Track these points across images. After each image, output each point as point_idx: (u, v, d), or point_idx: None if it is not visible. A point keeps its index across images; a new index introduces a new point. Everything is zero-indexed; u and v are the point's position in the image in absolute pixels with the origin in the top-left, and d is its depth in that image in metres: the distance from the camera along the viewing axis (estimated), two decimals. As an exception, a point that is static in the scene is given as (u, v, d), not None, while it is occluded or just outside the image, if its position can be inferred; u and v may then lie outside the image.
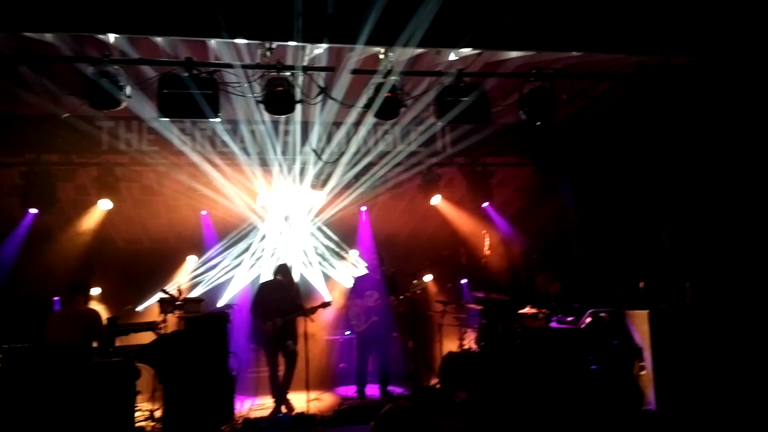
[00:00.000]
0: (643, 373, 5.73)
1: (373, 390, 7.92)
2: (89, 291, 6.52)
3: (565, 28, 5.61)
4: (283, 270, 7.73)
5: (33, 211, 7.67)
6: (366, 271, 8.18)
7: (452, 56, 5.98)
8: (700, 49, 5.84)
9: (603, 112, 7.52)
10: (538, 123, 6.26)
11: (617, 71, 6.30)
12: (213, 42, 5.53)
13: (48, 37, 5.22)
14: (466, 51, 5.81)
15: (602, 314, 6.29)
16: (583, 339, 6.32)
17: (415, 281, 8.01)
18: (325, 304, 7.68)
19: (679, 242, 6.10)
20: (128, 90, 5.53)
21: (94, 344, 6.10)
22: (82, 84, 5.44)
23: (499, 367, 6.55)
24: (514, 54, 5.99)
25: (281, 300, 7.38)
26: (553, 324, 6.75)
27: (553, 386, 5.97)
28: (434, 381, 8.01)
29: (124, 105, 5.56)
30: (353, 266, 10.17)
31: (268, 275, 9.51)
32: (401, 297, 7.91)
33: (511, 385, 6.23)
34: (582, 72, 6.35)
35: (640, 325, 5.77)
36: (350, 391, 8.09)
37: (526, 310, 6.95)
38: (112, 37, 5.28)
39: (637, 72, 6.27)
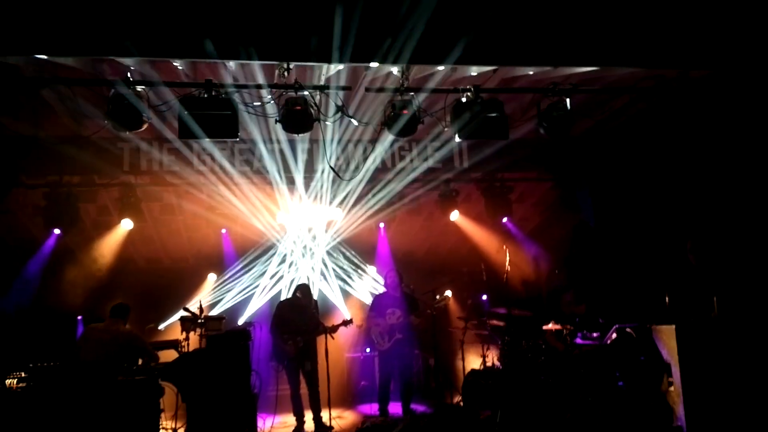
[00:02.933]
0: (671, 389, 5.62)
1: (395, 408, 7.84)
2: (128, 315, 6.63)
3: (582, 42, 5.59)
4: (302, 289, 7.74)
5: (56, 231, 7.77)
6: (384, 289, 8.13)
7: (469, 72, 5.98)
8: (719, 62, 5.79)
9: (622, 125, 7.47)
10: (557, 138, 6.23)
11: (636, 85, 6.25)
12: (231, 63, 5.59)
13: (69, 60, 5.32)
14: (483, 67, 5.82)
15: (628, 330, 6.19)
16: (609, 355, 6.22)
17: (437, 296, 7.95)
18: (346, 323, 7.65)
19: (704, 255, 6.01)
20: (149, 112, 5.61)
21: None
22: (103, 105, 5.53)
23: (523, 384, 6.46)
24: (530, 69, 5.98)
25: (300, 319, 7.37)
26: (578, 340, 6.66)
27: (579, 404, 5.88)
28: (457, 398, 7.92)
29: (146, 126, 5.63)
30: (372, 283, 10.17)
31: (287, 293, 9.55)
32: (428, 311, 7.83)
33: (535, 402, 6.14)
34: (600, 87, 6.33)
35: (667, 340, 5.66)
36: (372, 409, 8.02)
37: (550, 326, 6.87)
38: (132, 60, 5.37)
39: (656, 86, 6.23)
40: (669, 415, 5.60)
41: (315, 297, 8.20)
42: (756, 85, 5.87)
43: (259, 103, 5.85)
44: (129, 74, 5.47)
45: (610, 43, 5.62)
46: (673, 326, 5.59)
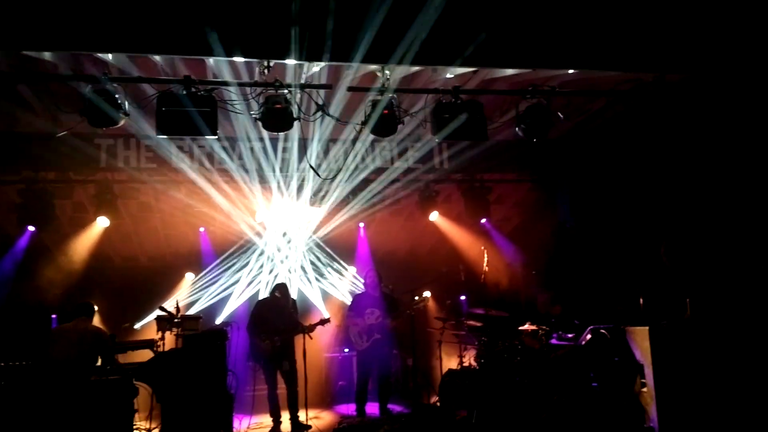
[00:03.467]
0: (644, 390, 5.69)
1: (372, 408, 7.85)
2: (94, 313, 6.50)
3: (560, 45, 5.65)
4: (280, 288, 7.70)
5: (31, 228, 7.66)
6: (364, 289, 8.12)
7: (448, 74, 6.01)
8: (695, 66, 5.89)
9: (600, 128, 7.56)
10: (535, 140, 6.28)
11: (613, 88, 6.33)
12: (211, 60, 5.56)
13: (46, 55, 5.25)
14: (463, 69, 5.85)
15: (602, 331, 6.26)
16: (583, 356, 6.28)
17: (416, 297, 7.95)
18: (324, 321, 7.63)
19: (678, 257, 6.09)
20: (126, 108, 5.55)
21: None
22: (80, 102, 5.46)
23: (499, 384, 6.51)
24: (509, 71, 6.03)
25: (278, 318, 7.34)
26: (554, 341, 6.72)
27: (553, 404, 5.93)
28: (434, 399, 7.95)
29: (122, 123, 5.56)
30: (352, 282, 10.16)
31: (265, 292, 9.50)
32: (407, 311, 7.82)
33: (511, 402, 6.19)
34: (578, 89, 6.39)
35: (640, 341, 5.73)
36: (349, 409, 8.02)
37: (526, 326, 6.92)
38: (110, 56, 5.31)
39: (633, 89, 6.31)
40: (641, 416, 5.67)
41: (294, 296, 8.16)
42: (731, 88, 5.98)
43: (239, 101, 5.81)
44: (107, 70, 5.41)
45: (589, 47, 5.69)
46: (647, 328, 5.66)
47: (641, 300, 6.13)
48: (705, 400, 5.32)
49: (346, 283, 10.42)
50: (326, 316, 8.02)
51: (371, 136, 6.50)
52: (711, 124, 6.25)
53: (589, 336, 6.36)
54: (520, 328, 6.97)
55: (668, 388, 5.46)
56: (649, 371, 5.61)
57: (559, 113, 6.21)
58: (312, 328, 7.44)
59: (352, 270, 10.42)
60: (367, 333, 7.58)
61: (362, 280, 8.42)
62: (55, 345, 5.93)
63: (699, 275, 5.95)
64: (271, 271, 9.90)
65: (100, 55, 5.29)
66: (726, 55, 5.79)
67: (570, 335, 6.67)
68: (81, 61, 5.53)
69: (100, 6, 4.87)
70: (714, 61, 5.83)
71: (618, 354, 5.97)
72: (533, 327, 6.85)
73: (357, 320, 7.69)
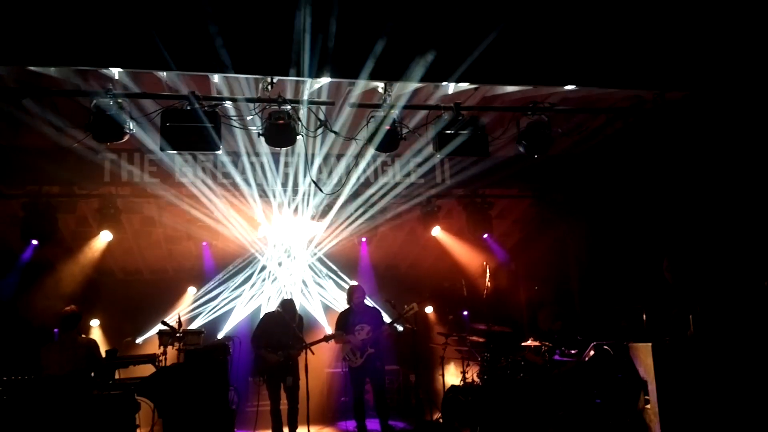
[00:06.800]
0: (647, 407, 5.66)
1: (373, 424, 7.79)
2: (80, 321, 6.49)
3: (561, 62, 5.69)
4: (285, 305, 7.71)
5: (34, 242, 7.68)
6: (347, 306, 8.01)
7: (450, 90, 6.06)
8: (696, 83, 5.93)
9: (601, 144, 7.59)
10: (536, 156, 6.31)
11: (613, 105, 6.37)
12: (215, 76, 5.61)
13: (52, 70, 5.30)
14: (464, 85, 5.90)
15: (606, 347, 6.24)
16: (586, 372, 6.26)
17: (405, 306, 7.80)
18: (328, 338, 7.61)
19: (681, 273, 6.09)
20: (131, 123, 5.59)
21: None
22: (85, 116, 5.51)
23: (502, 400, 6.47)
24: (510, 88, 6.07)
25: (282, 333, 7.33)
26: (557, 357, 6.69)
27: (556, 420, 5.90)
28: (437, 415, 7.90)
29: (127, 137, 5.61)
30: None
31: (269, 307, 9.50)
32: (407, 326, 7.73)
33: (514, 419, 6.15)
34: (578, 106, 6.43)
35: (644, 358, 5.71)
36: (351, 425, 7.95)
37: (529, 342, 6.90)
38: (115, 71, 5.36)
39: (633, 106, 6.34)
40: (645, 433, 5.64)
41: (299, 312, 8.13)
42: (731, 106, 6.01)
43: (242, 117, 5.86)
44: (111, 85, 5.46)
45: (589, 64, 5.74)
46: (650, 344, 5.65)
47: (644, 316, 6.12)
48: (709, 418, 5.29)
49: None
50: (329, 332, 7.98)
51: (374, 152, 6.53)
52: (712, 141, 6.27)
53: (592, 352, 6.34)
54: (523, 344, 6.94)
55: (672, 405, 5.44)
56: (652, 388, 5.58)
57: (559, 129, 6.25)
58: (315, 344, 7.42)
59: (354, 284, 10.41)
60: (360, 349, 7.50)
61: (346, 296, 8.21)
62: (48, 363, 5.92)
63: (702, 291, 5.94)
64: (271, 284, 9.90)
65: (104, 70, 5.34)
66: (727, 72, 5.83)
67: (573, 351, 6.65)
68: (86, 76, 5.58)
69: (106, 22, 4.92)
70: (714, 79, 5.87)
71: (621, 370, 5.95)
72: (536, 343, 6.83)
73: (348, 337, 7.61)
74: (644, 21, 5.71)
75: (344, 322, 7.68)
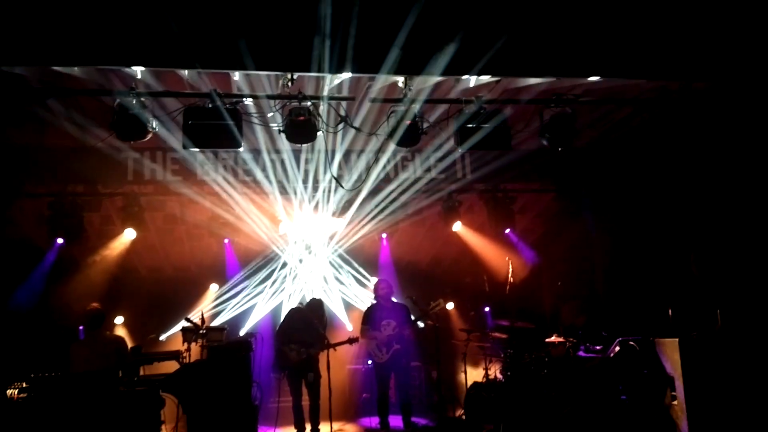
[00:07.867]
0: (675, 403, 5.58)
1: (396, 421, 7.79)
2: (105, 319, 6.57)
3: (585, 53, 5.60)
4: (311, 304, 7.74)
5: (59, 240, 7.78)
6: (375, 301, 8.00)
7: (471, 83, 6.00)
8: (722, 73, 5.79)
9: (625, 136, 7.47)
10: (560, 149, 6.23)
11: (639, 96, 6.26)
12: (236, 74, 5.62)
13: (75, 70, 5.35)
14: (486, 78, 5.84)
15: (631, 343, 6.15)
16: (612, 368, 6.18)
17: (431, 302, 7.78)
18: (352, 340, 7.62)
19: (708, 267, 5.99)
20: (154, 121, 5.63)
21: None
22: (108, 116, 5.56)
23: (526, 397, 6.42)
24: (533, 80, 5.99)
25: (305, 330, 7.36)
26: (581, 353, 6.62)
27: (581, 417, 5.83)
28: (459, 412, 7.87)
29: (150, 136, 5.65)
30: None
31: (290, 303, 9.54)
32: (429, 322, 7.70)
33: (538, 415, 6.10)
34: (603, 97, 6.33)
35: (670, 353, 5.63)
36: (374, 422, 7.96)
37: (553, 338, 6.84)
38: (138, 70, 5.40)
39: (658, 97, 6.23)
40: (672, 430, 5.56)
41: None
42: (758, 96, 5.88)
43: (262, 114, 5.87)
44: (134, 84, 5.50)
45: (613, 54, 5.63)
46: (677, 339, 5.56)
47: (670, 311, 6.02)
48: (737, 414, 5.20)
49: (369, 293, 10.40)
50: (350, 329, 7.99)
51: (394, 147, 6.50)
52: (738, 133, 6.14)
53: (617, 348, 6.26)
54: (547, 340, 6.88)
55: (699, 401, 5.36)
56: (679, 384, 5.50)
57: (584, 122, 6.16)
58: (338, 345, 7.45)
59: (374, 281, 10.40)
60: (386, 345, 7.49)
61: (373, 291, 8.22)
62: (76, 360, 6.00)
63: (729, 285, 5.84)
64: (293, 281, 9.93)
65: (127, 69, 5.39)
66: (753, 62, 5.69)
67: (598, 347, 6.57)
68: (109, 75, 5.63)
69: (128, 22, 4.95)
70: (741, 69, 5.73)
71: (647, 366, 5.87)
72: (560, 339, 6.76)
73: (374, 333, 7.60)
74: (668, 10, 5.60)
75: (370, 317, 7.70)
